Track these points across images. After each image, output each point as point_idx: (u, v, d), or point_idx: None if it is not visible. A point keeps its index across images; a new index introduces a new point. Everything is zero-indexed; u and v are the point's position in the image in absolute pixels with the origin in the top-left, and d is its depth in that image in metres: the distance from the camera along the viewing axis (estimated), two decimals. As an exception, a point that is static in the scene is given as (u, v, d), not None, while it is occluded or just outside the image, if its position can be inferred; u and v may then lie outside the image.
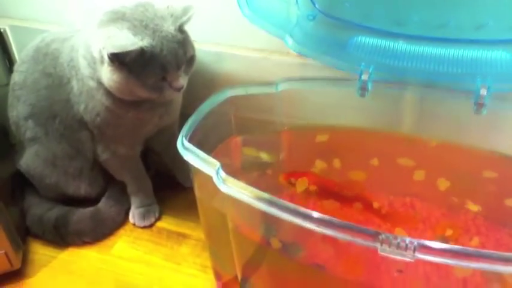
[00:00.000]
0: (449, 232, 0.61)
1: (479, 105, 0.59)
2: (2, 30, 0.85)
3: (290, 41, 0.63)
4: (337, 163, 0.69)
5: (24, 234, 0.73)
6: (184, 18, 0.60)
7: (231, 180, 0.48)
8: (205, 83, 0.75)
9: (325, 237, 0.44)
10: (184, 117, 0.70)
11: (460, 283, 0.49)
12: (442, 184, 0.65)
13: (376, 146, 0.68)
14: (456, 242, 0.60)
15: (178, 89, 0.62)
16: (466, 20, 0.57)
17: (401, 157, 0.67)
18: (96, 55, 0.61)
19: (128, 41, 0.57)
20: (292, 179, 0.66)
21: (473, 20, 0.57)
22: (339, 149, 0.69)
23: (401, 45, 0.62)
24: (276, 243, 0.54)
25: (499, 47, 0.58)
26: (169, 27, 0.60)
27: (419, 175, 0.66)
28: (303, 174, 0.67)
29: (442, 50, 0.60)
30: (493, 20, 0.56)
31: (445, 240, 0.60)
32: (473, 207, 0.64)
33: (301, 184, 0.67)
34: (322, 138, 0.69)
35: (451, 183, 0.64)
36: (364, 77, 0.63)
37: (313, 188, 0.67)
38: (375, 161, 0.67)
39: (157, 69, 0.59)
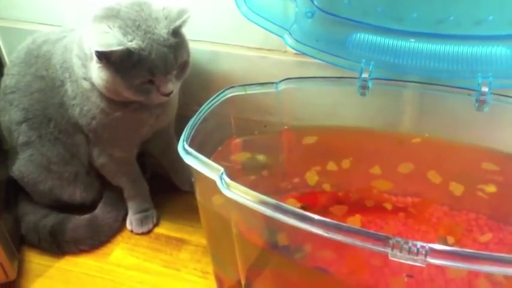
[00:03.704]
0: (451, 232, 0.61)
1: (480, 102, 0.59)
2: (-10, 31, 0.83)
3: (289, 38, 0.63)
4: (345, 164, 0.68)
5: (19, 243, 0.71)
6: (178, 22, 0.59)
7: (235, 185, 0.47)
8: (202, 83, 0.74)
9: (327, 240, 0.43)
10: (180, 118, 0.69)
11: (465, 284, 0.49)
12: (443, 182, 0.64)
13: (376, 146, 0.68)
14: (459, 242, 0.60)
15: (166, 94, 0.61)
16: (465, 15, 0.57)
17: (402, 156, 0.66)
18: (87, 52, 0.60)
19: (115, 40, 0.56)
20: (305, 204, 0.65)
21: (473, 15, 0.57)
22: (339, 149, 0.69)
23: (401, 42, 0.61)
24: (282, 240, 0.53)
25: (499, 43, 0.58)
26: (162, 30, 0.59)
27: (419, 174, 0.65)
28: (314, 196, 0.66)
29: (442, 47, 0.60)
30: (493, 15, 0.56)
31: (447, 241, 0.60)
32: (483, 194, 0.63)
33: (311, 178, 0.66)
34: (321, 138, 0.68)
35: (452, 181, 0.64)
36: (365, 74, 0.62)
37: (327, 186, 0.66)
38: (376, 168, 0.67)
39: (144, 71, 0.58)
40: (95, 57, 0.58)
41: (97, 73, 0.60)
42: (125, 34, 0.57)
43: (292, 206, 0.62)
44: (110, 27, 0.58)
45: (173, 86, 0.61)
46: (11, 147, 0.73)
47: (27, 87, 0.69)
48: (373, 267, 0.50)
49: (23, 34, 0.74)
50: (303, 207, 0.64)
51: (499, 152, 0.63)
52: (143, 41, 0.57)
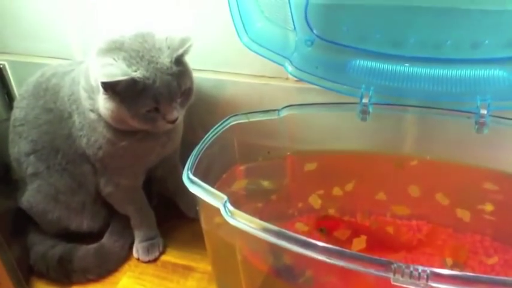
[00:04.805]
0: (457, 255, 0.61)
1: (480, 124, 0.60)
2: (1, 65, 0.85)
3: (290, 67, 0.64)
4: (348, 187, 0.68)
5: (27, 273, 0.71)
6: (181, 51, 0.60)
7: (238, 213, 0.48)
8: (206, 110, 0.75)
9: (331, 265, 0.43)
10: (185, 144, 0.70)
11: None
12: (447, 204, 0.64)
13: (378, 169, 0.68)
14: (466, 265, 0.59)
15: (172, 122, 0.62)
16: (462, 39, 0.58)
17: (403, 179, 0.67)
18: (93, 84, 0.62)
19: (119, 71, 0.58)
20: (323, 227, 0.65)
21: (469, 40, 0.58)
22: (342, 172, 0.69)
23: (399, 67, 0.62)
24: (289, 260, 0.54)
25: (496, 66, 0.59)
26: (165, 59, 0.60)
27: (424, 197, 0.66)
28: (336, 223, 0.66)
29: (441, 70, 0.61)
30: (489, 39, 0.57)
31: (453, 264, 0.60)
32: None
33: (315, 202, 0.67)
34: (324, 162, 0.69)
35: (455, 202, 0.64)
36: (365, 100, 0.63)
37: (332, 210, 0.66)
38: (379, 191, 0.67)
39: (149, 100, 0.60)
40: (101, 89, 0.59)
41: (103, 104, 0.61)
42: (129, 65, 0.59)
43: (301, 230, 0.64)
44: (115, 59, 0.59)
45: (178, 113, 0.62)
46: (20, 178, 0.74)
47: (35, 119, 0.70)
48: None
49: (33, 68, 0.76)
50: (321, 230, 0.64)
51: (499, 172, 0.63)
52: (147, 71, 0.59)
